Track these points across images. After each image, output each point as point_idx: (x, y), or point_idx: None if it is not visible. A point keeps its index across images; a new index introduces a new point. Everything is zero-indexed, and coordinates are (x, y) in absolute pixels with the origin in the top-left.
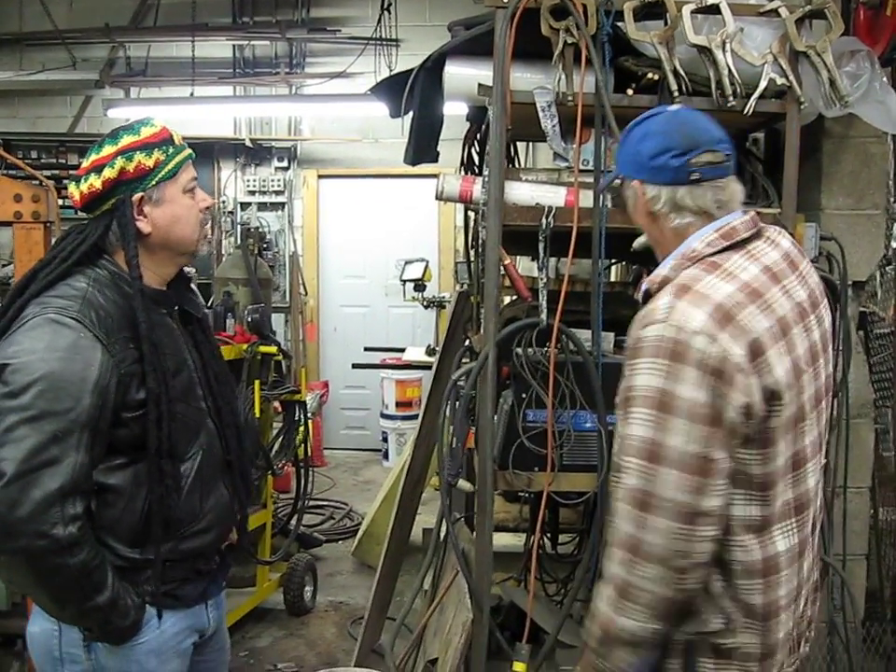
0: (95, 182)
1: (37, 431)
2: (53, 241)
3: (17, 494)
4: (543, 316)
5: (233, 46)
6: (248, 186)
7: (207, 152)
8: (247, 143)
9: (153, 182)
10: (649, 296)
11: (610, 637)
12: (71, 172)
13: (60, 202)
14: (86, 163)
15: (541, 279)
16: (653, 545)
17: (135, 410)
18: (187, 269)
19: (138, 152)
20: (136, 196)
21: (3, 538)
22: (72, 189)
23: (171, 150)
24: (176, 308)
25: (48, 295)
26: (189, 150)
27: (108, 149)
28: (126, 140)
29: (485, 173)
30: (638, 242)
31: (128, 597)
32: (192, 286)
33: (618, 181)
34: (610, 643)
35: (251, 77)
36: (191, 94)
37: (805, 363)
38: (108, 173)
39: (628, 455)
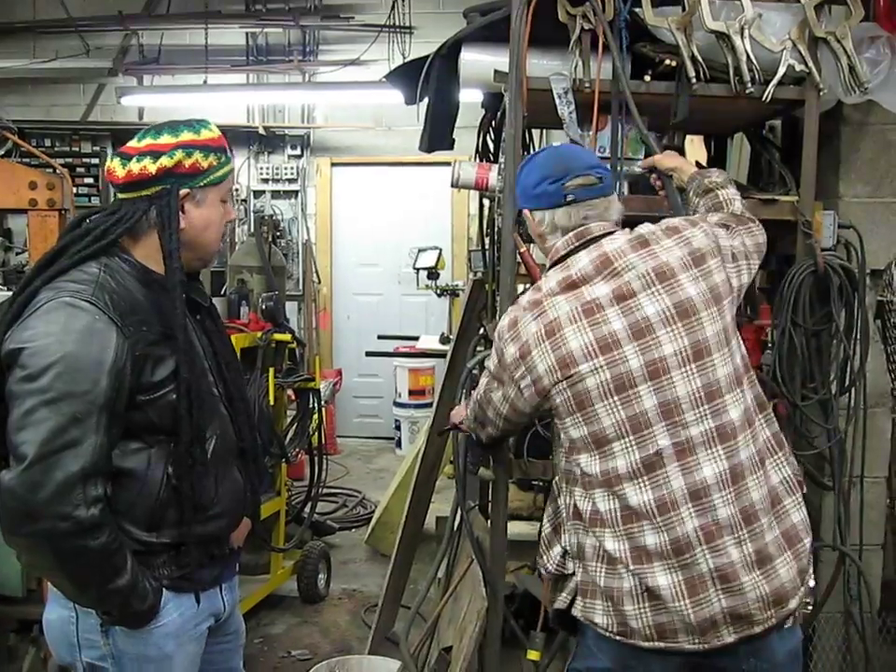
0: (150, 166)
1: (57, 413)
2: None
3: (39, 476)
4: None
5: (246, 33)
6: (261, 174)
7: None
8: (260, 131)
9: (202, 182)
10: None
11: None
12: (84, 159)
13: (74, 189)
14: (138, 145)
15: None
16: (472, 406)
17: (149, 393)
18: None
19: (198, 151)
20: (183, 191)
21: (25, 520)
22: (115, 164)
23: (224, 159)
24: (185, 296)
25: (61, 280)
26: (233, 164)
27: (168, 139)
28: (186, 136)
29: (501, 160)
30: None
31: (146, 581)
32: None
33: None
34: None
35: (264, 65)
36: (204, 82)
37: (583, 354)
38: (165, 161)
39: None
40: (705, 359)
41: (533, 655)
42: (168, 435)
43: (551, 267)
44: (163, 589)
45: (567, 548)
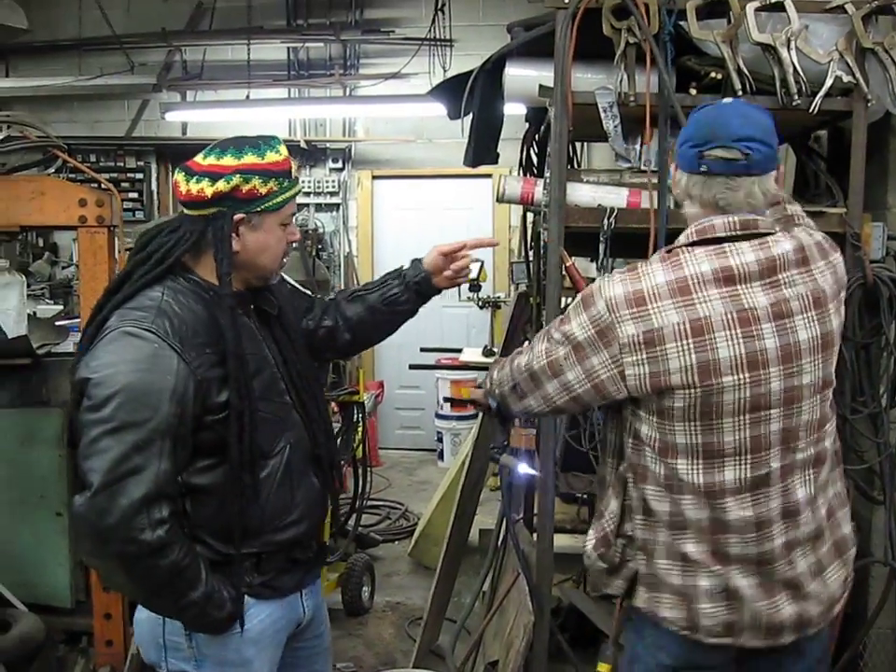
0: (207, 188)
1: (119, 442)
2: (117, 242)
3: (105, 503)
4: None
5: (288, 48)
6: (303, 187)
7: None
8: (302, 144)
9: (259, 208)
10: None
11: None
12: (129, 174)
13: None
14: (202, 162)
15: None
16: (512, 371)
17: (217, 413)
18: None
19: (256, 177)
20: (238, 216)
21: (97, 544)
22: (180, 179)
23: (286, 184)
24: (252, 307)
25: (126, 307)
26: (299, 186)
27: (230, 161)
28: (249, 159)
29: (546, 174)
30: None
31: (223, 590)
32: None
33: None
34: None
35: (306, 79)
36: (247, 97)
37: (730, 366)
38: (222, 185)
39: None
40: (825, 391)
41: (603, 668)
42: None
43: (695, 243)
44: (244, 596)
45: (635, 540)
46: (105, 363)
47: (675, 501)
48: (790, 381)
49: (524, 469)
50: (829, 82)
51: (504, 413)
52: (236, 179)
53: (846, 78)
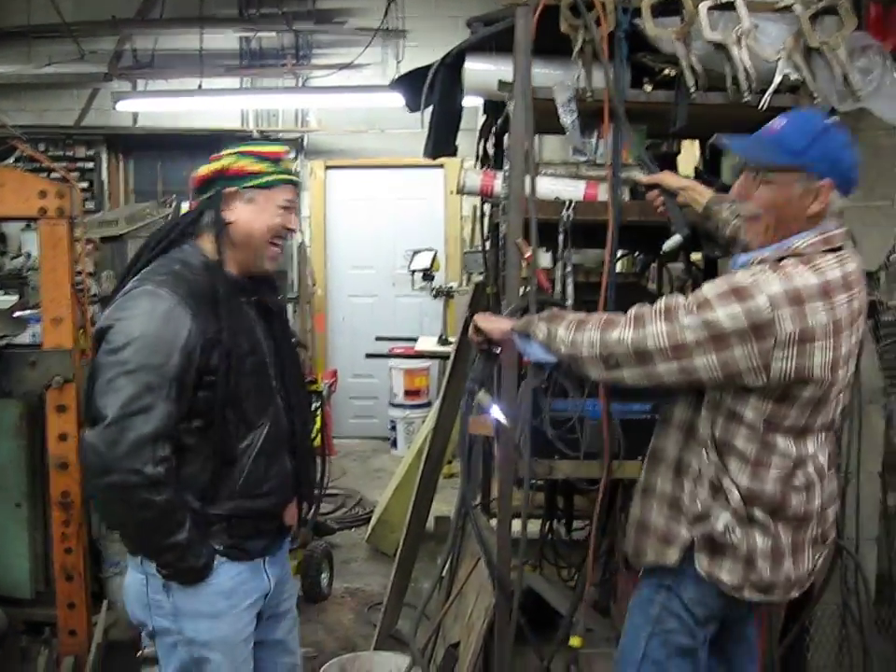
0: (203, 171)
1: (134, 382)
2: (76, 234)
3: (116, 435)
4: (570, 303)
5: (240, 37)
6: (297, 180)
7: (214, 144)
8: (254, 134)
9: (249, 184)
10: None
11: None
12: (78, 164)
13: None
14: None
15: (559, 270)
16: (603, 340)
17: (215, 374)
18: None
19: (248, 157)
20: (230, 189)
21: (102, 473)
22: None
23: (273, 168)
24: (255, 299)
25: (145, 272)
26: (288, 176)
27: (230, 150)
28: (247, 147)
29: (506, 167)
30: (668, 245)
31: (202, 542)
32: (275, 282)
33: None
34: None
35: (258, 69)
36: (199, 86)
37: (843, 361)
38: (214, 165)
39: (665, 301)
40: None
41: (576, 641)
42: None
43: (824, 251)
44: (216, 553)
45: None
46: (126, 315)
47: (756, 474)
48: (849, 374)
49: (496, 412)
50: (777, 79)
51: (538, 364)
52: (227, 159)
53: (793, 76)
